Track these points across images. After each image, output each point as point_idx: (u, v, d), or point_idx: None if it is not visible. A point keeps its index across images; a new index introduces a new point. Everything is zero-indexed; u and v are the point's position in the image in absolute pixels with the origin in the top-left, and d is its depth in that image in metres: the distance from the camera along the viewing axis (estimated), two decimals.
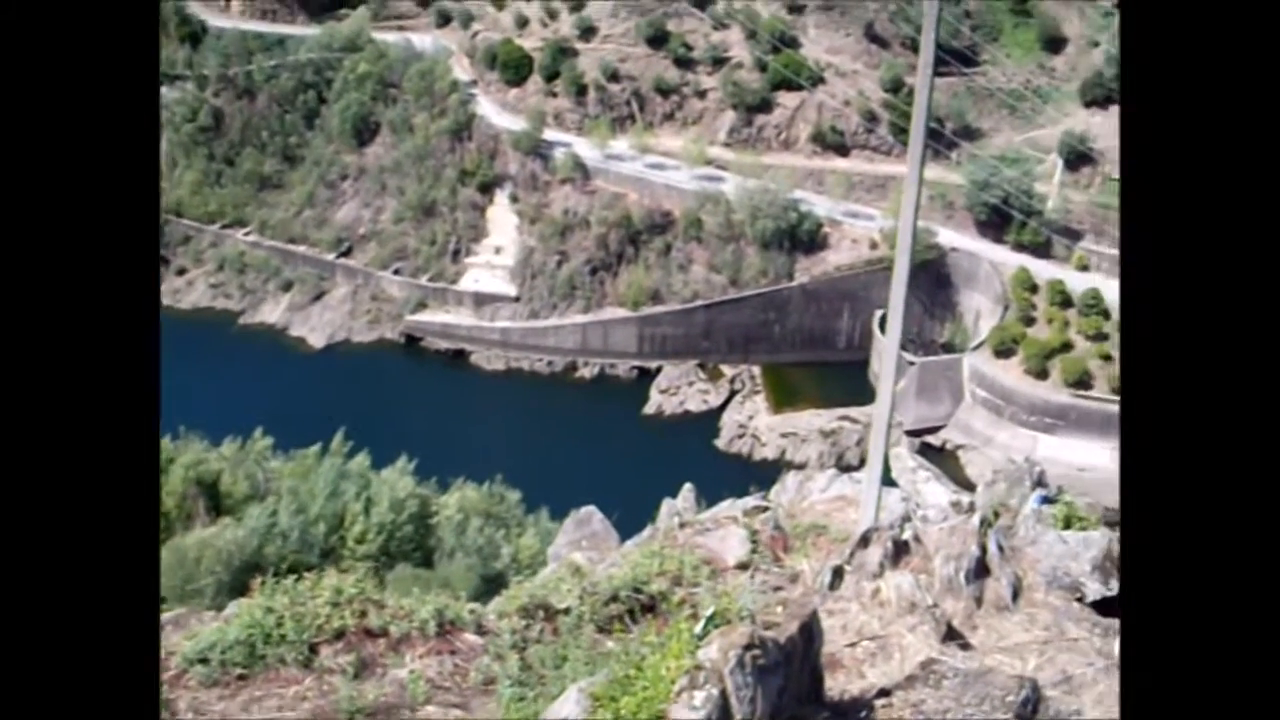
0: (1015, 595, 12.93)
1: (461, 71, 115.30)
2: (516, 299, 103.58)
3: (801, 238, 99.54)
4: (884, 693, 9.54)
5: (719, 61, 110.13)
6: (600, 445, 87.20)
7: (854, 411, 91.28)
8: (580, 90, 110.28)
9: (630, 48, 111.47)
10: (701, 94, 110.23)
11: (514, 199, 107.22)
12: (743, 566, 13.11)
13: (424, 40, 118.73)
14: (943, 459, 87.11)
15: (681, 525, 15.27)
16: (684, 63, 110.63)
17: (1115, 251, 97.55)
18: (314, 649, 9.41)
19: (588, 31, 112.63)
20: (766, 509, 16.45)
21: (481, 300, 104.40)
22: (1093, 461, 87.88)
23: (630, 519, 18.74)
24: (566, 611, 10.54)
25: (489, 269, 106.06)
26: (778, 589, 12.46)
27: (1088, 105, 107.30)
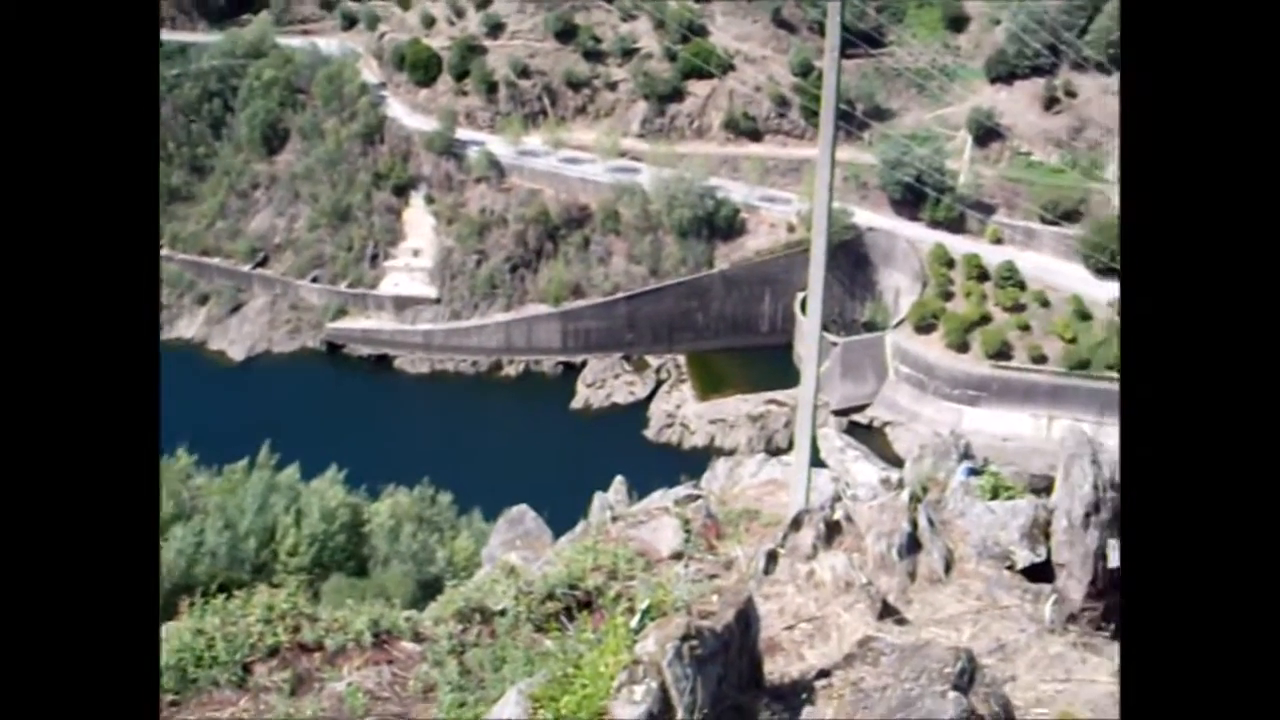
0: (947, 568, 13.09)
1: (370, 74, 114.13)
2: (437, 301, 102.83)
3: (719, 225, 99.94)
4: (823, 673, 9.60)
5: (629, 53, 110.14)
6: (529, 443, 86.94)
7: (780, 395, 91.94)
8: (491, 88, 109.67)
9: (539, 43, 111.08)
10: (612, 86, 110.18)
11: (430, 200, 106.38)
12: (677, 556, 13.15)
13: (330, 44, 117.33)
14: (870, 436, 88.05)
15: (614, 519, 15.27)
16: (593, 55, 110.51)
17: (1027, 223, 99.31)
18: (248, 668, 9.26)
19: (496, 28, 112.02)
20: (698, 497, 16.51)
21: (402, 304, 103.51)
22: (1016, 430, 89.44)
23: (563, 515, 18.72)
24: (503, 613, 10.50)
25: (408, 272, 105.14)
26: (713, 577, 12.51)
27: (993, 82, 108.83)
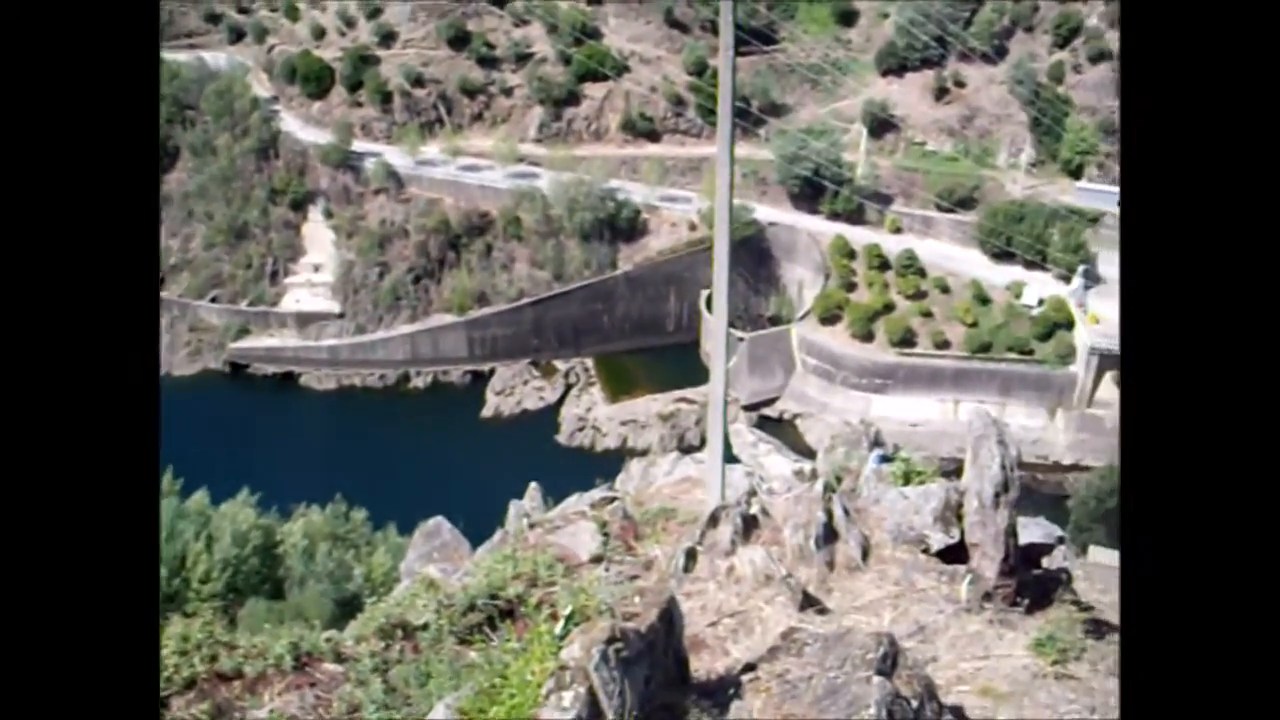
0: (865, 555, 13.26)
1: (261, 88, 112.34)
2: (341, 315, 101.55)
3: (621, 226, 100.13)
4: (749, 667, 9.66)
5: (523, 58, 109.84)
6: (442, 454, 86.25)
7: (690, 392, 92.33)
8: (385, 98, 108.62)
9: (432, 50, 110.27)
10: (508, 92, 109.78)
11: (328, 214, 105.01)
12: (596, 560, 13.13)
13: (218, 58, 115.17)
14: (781, 429, 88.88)
15: (531, 525, 15.21)
16: (488, 62, 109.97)
17: (924, 212, 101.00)
18: (164, 703, 9.05)
19: (387, 37, 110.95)
20: (614, 499, 16.52)
21: (305, 320, 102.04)
22: (924, 416, 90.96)
23: (480, 525, 18.62)
24: (425, 627, 10.38)
25: (309, 288, 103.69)
26: (633, 578, 12.52)
27: (884, 75, 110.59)
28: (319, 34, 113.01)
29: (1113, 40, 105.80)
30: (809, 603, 11.77)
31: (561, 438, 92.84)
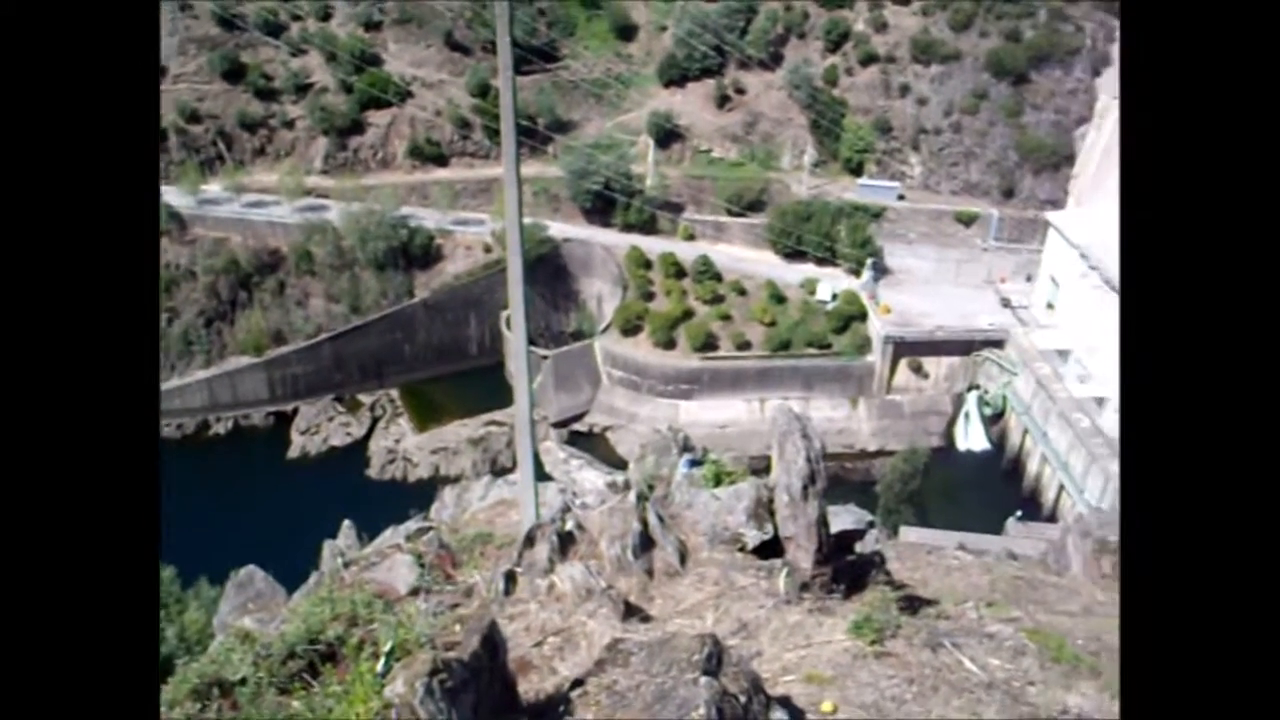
0: (683, 559, 13.41)
1: None
2: None
3: (415, 253, 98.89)
4: (577, 683, 9.65)
5: (302, 88, 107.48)
6: (249, 500, 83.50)
7: (499, 415, 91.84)
8: (160, 136, 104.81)
9: (206, 85, 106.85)
10: (289, 124, 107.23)
11: None
12: (415, 592, 12.93)
13: None
14: (593, 443, 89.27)
15: (346, 564, 14.89)
16: (266, 94, 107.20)
17: (715, 218, 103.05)
18: None
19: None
20: (429, 529, 16.33)
21: None
22: (732, 417, 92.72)
23: (294, 570, 18.09)
24: (243, 682, 10.02)
25: None
26: (455, 607, 12.37)
27: (667, 85, 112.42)
28: None
29: (879, 44, 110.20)
30: (632, 612, 11.84)
31: (372, 472, 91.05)
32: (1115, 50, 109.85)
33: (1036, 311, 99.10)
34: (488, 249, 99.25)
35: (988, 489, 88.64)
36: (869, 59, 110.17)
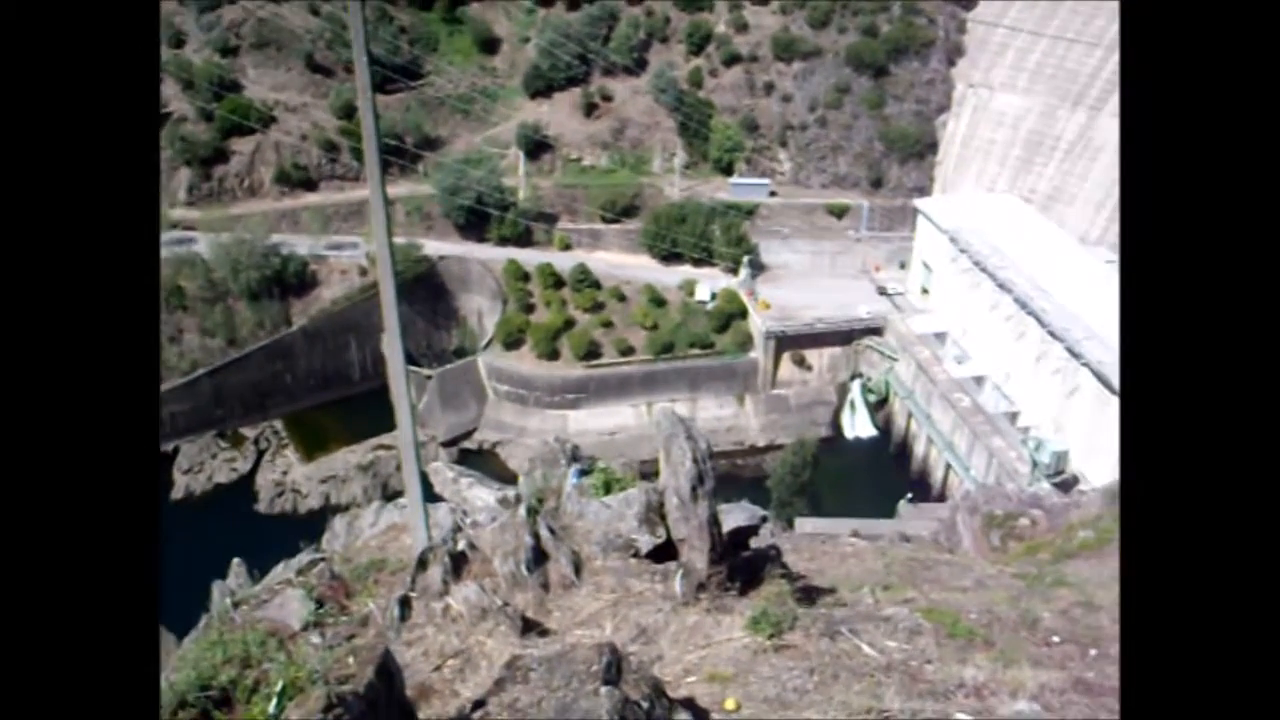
0: (577, 570, 13.38)
1: None
2: None
3: (290, 281, 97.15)
4: (479, 704, 9.57)
5: (161, 118, 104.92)
6: None
7: (386, 439, 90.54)
8: None
9: None
10: None
11: None
12: (309, 627, 12.68)
13: None
14: (484, 459, 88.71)
15: (236, 604, 14.52)
16: None
17: (590, 226, 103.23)
18: None
19: None
20: (321, 560, 16.02)
21: None
22: (620, 423, 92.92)
23: (183, 614, 17.60)
24: None
25: None
26: (351, 638, 12.16)
27: (533, 97, 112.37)
28: None
29: (741, 44, 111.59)
30: (530, 627, 11.78)
31: (261, 506, 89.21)
32: (968, 40, 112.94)
33: (912, 297, 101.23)
34: (363, 271, 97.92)
35: (878, 474, 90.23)
36: (732, 59, 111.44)
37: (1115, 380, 73.49)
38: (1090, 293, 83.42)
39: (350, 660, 8.48)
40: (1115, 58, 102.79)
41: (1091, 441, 76.52)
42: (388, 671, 8.44)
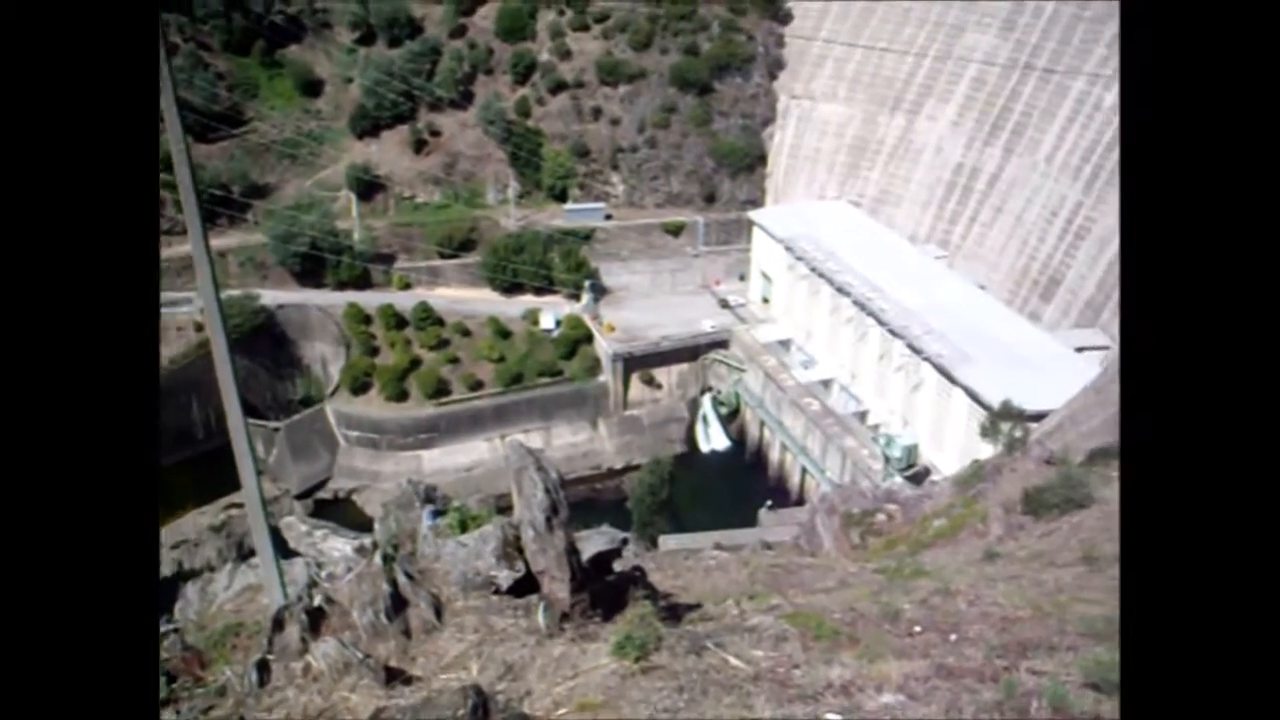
0: (438, 613, 13.19)
1: None
2: None
3: None
4: None
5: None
6: None
7: (237, 497, 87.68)
8: None
9: None
10: None
11: None
12: (164, 705, 12.22)
13: None
14: (341, 509, 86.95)
15: None
16: None
17: (428, 263, 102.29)
18: None
19: None
20: (173, 631, 15.50)
21: None
22: (476, 459, 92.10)
23: None
24: None
25: None
26: (209, 710, 11.77)
27: (360, 137, 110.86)
28: None
29: (566, 70, 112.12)
30: (394, 676, 11.56)
31: None
32: (787, 54, 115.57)
33: (754, 308, 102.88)
34: (199, 327, 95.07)
35: (736, 485, 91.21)
36: (558, 86, 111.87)
37: (955, 372, 75.83)
38: (925, 289, 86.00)
39: None
40: (928, 63, 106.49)
41: (938, 433, 78.75)
42: None
